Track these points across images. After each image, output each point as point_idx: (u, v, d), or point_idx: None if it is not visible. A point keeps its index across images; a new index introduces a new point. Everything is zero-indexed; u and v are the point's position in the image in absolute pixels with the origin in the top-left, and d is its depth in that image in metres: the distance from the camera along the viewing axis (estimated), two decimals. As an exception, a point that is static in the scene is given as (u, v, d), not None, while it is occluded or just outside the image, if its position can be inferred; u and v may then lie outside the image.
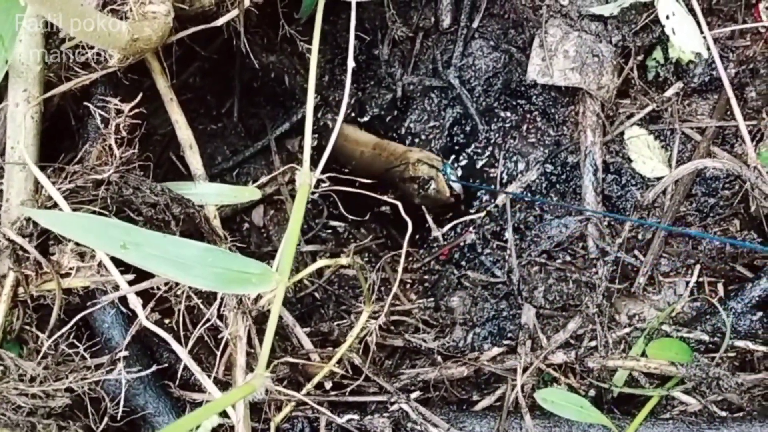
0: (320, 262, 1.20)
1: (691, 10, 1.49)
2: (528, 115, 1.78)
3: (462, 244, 1.77)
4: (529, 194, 1.73)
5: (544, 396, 1.43)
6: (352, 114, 1.94)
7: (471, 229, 1.76)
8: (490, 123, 1.81)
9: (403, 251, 1.36)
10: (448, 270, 1.75)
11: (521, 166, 1.76)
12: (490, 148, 1.81)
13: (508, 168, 1.78)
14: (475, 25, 1.80)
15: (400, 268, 1.37)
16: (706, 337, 1.49)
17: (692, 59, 1.58)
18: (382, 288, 1.74)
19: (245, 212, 1.86)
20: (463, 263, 1.76)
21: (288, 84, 1.85)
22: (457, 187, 1.78)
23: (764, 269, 1.52)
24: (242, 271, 1.11)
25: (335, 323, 1.56)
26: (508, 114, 1.80)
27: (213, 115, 1.90)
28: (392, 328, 1.66)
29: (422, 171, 1.75)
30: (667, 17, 1.47)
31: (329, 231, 1.89)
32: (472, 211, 1.81)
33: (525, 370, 1.48)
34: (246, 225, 1.86)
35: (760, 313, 1.49)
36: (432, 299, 1.71)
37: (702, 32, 1.48)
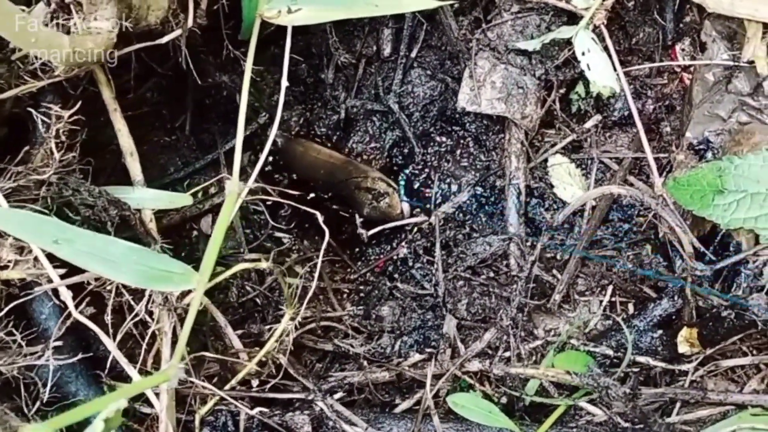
0: (240, 265, 1.30)
1: (607, 48, 1.60)
2: (461, 141, 1.89)
3: (395, 257, 1.87)
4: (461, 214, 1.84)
5: (455, 400, 1.53)
6: (302, 133, 2.04)
7: (404, 243, 1.86)
8: (427, 147, 1.92)
9: (320, 259, 1.47)
10: (381, 281, 1.85)
11: (454, 187, 1.87)
12: (426, 170, 1.91)
13: (442, 189, 1.88)
14: (413, 55, 1.91)
15: (317, 271, 1.47)
16: (610, 352, 1.60)
17: (612, 95, 1.69)
18: (321, 296, 1.85)
19: (194, 220, 1.95)
20: (396, 275, 1.86)
21: (238, 102, 1.94)
22: (406, 209, 1.89)
23: (666, 291, 1.63)
24: (165, 270, 1.21)
25: (266, 326, 1.66)
26: (443, 139, 1.91)
27: (167, 128, 1.99)
28: (322, 333, 1.76)
29: (380, 186, 1.86)
30: (583, 53, 1.58)
31: (274, 241, 1.98)
32: (408, 228, 1.91)
33: (442, 376, 1.59)
34: (195, 233, 1.95)
35: (660, 331, 1.60)
36: (362, 307, 1.81)
37: (615, 69, 1.59)
